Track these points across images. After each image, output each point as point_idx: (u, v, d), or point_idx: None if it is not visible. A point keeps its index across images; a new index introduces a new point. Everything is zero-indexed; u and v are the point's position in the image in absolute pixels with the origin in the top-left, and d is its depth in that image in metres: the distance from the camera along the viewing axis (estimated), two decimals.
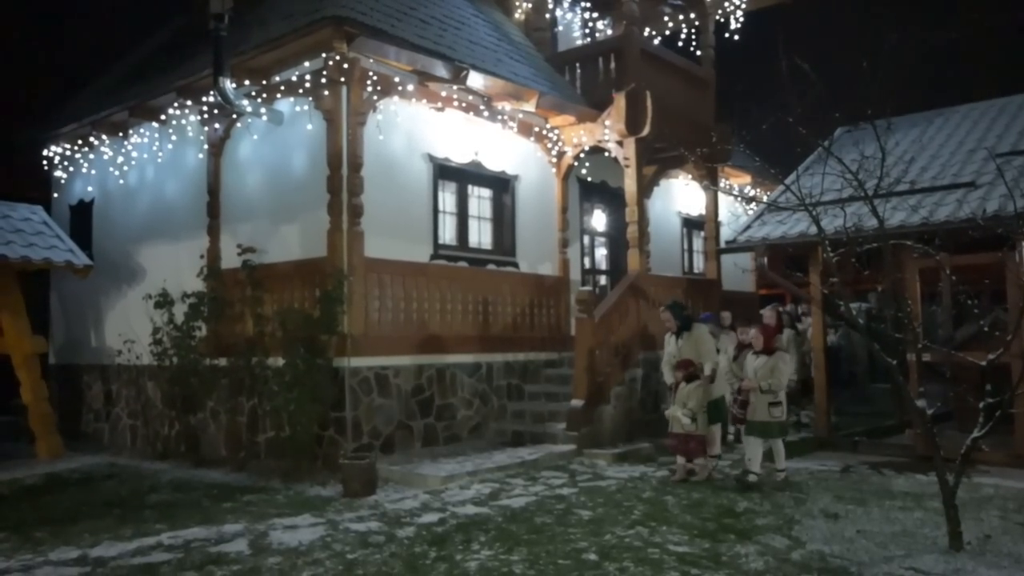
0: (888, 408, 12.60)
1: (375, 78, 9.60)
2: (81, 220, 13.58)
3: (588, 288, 12.65)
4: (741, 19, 14.43)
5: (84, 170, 13.27)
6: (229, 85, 9.55)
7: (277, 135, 10.41)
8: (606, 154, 12.49)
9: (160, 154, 11.81)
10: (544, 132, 12.40)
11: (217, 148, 11.01)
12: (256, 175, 10.66)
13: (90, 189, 13.37)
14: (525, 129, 12.11)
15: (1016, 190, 6.63)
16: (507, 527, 6.55)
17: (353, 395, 9.22)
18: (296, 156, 10.15)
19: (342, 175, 9.33)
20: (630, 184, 12.00)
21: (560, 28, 14.35)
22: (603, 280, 14.43)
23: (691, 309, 9.29)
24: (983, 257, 8.85)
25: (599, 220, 14.30)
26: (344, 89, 9.37)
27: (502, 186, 12.07)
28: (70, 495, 8.49)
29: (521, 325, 11.70)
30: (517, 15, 13.64)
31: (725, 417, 9.28)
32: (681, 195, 16.20)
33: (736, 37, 14.50)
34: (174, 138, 11.49)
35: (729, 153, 13.91)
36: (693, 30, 14.66)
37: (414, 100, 10.37)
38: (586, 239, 14.03)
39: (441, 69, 10.02)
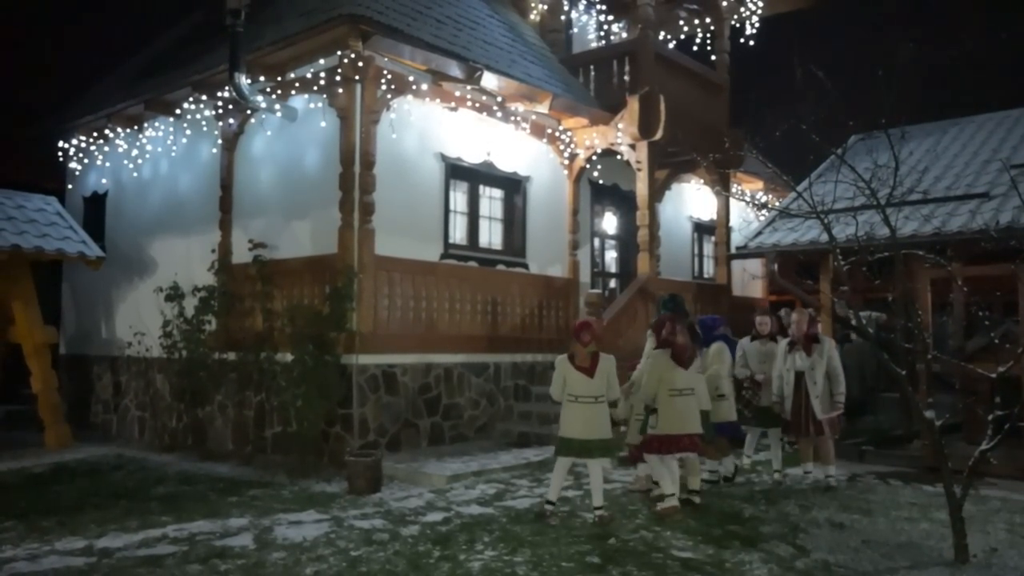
0: (896, 418, 12.52)
1: (389, 77, 9.62)
2: (94, 212, 13.66)
3: (597, 291, 12.64)
4: (757, 25, 14.41)
5: (99, 162, 13.35)
6: (244, 81, 9.60)
7: (291, 131, 10.45)
8: (618, 157, 12.49)
9: (174, 148, 11.87)
10: (557, 134, 12.40)
11: (231, 143, 11.06)
12: (269, 171, 10.71)
13: (104, 181, 13.45)
14: (538, 130, 12.11)
15: None
16: (511, 528, 6.56)
17: (360, 392, 9.24)
18: (309, 153, 10.19)
19: (354, 172, 9.36)
20: (642, 187, 11.99)
21: (575, 30, 14.35)
22: (613, 283, 14.42)
23: (669, 308, 7.96)
24: (995, 268, 8.81)
25: (610, 223, 14.29)
26: (358, 87, 9.40)
27: (514, 187, 12.08)
28: (77, 485, 8.53)
29: (530, 326, 11.70)
30: (532, 16, 13.65)
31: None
32: (693, 199, 16.16)
33: (751, 43, 14.47)
34: (188, 132, 11.55)
35: (742, 159, 13.86)
36: (708, 35, 14.63)
37: (428, 99, 10.39)
38: (596, 241, 14.03)
39: (455, 69, 10.03)
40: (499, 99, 11.11)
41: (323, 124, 9.80)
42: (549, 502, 6.90)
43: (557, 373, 6.95)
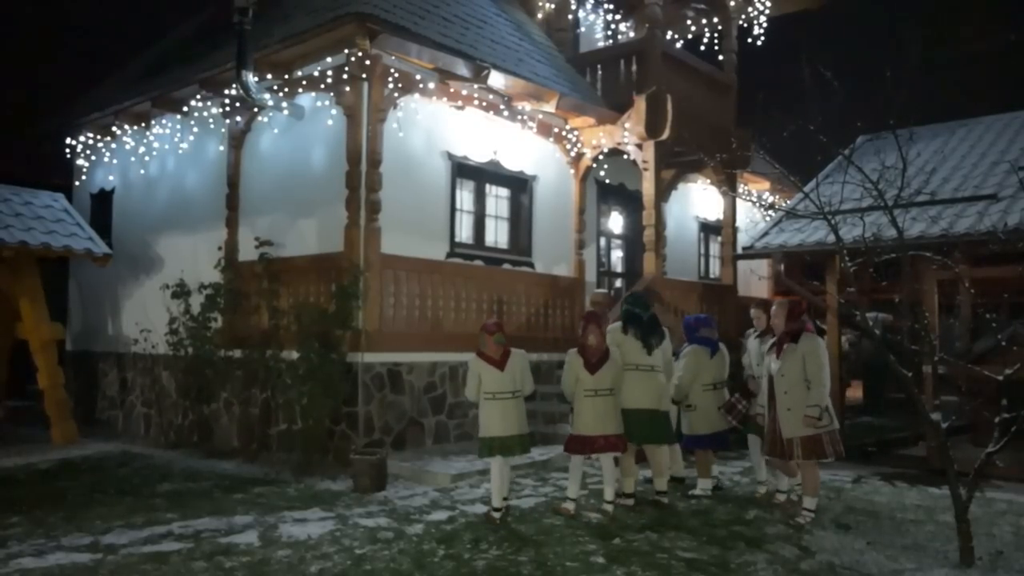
0: (903, 419, 12.50)
1: (396, 75, 9.63)
2: (101, 209, 13.70)
3: (603, 290, 12.64)
4: (764, 24, 14.37)
5: (106, 159, 13.39)
6: (251, 79, 9.61)
7: (297, 129, 10.46)
8: (625, 156, 12.48)
9: (181, 145, 11.89)
10: (563, 133, 12.40)
11: (238, 141, 11.09)
12: (275, 168, 10.72)
13: (111, 178, 13.48)
14: (544, 130, 12.11)
15: None
16: (516, 527, 6.56)
17: (366, 390, 9.25)
18: (315, 151, 10.20)
19: (361, 171, 9.36)
20: (648, 187, 11.98)
21: (582, 29, 14.33)
22: (618, 283, 14.41)
23: (629, 303, 7.62)
24: (1003, 270, 8.76)
25: (616, 222, 14.28)
26: (365, 85, 9.40)
27: (520, 186, 12.08)
28: (83, 481, 8.55)
29: (535, 325, 11.69)
30: (539, 15, 13.64)
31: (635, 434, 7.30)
32: (699, 199, 16.16)
33: (759, 42, 14.44)
34: (195, 130, 11.58)
35: (749, 159, 13.87)
36: (716, 34, 14.60)
37: (434, 98, 10.39)
38: (602, 241, 14.02)
39: (462, 68, 10.03)
40: (506, 98, 11.10)
41: (330, 122, 9.81)
42: (495, 508, 6.83)
43: (471, 372, 6.91)
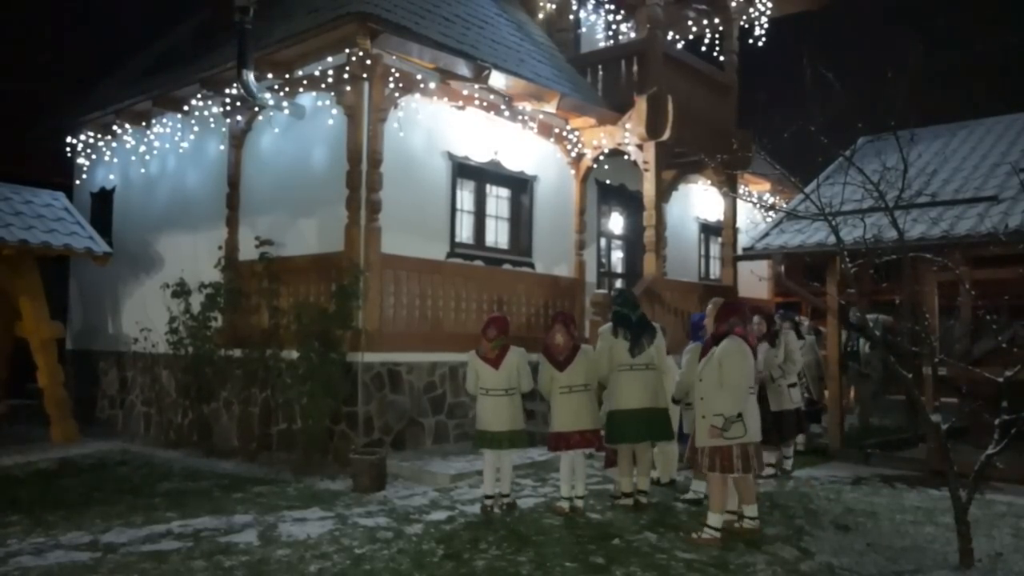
0: (903, 421, 12.50)
1: (397, 75, 9.63)
2: (102, 207, 13.71)
3: (603, 291, 12.63)
4: (765, 25, 14.36)
5: (106, 158, 13.39)
6: (252, 78, 9.60)
7: (298, 129, 10.46)
8: (625, 157, 12.47)
9: (182, 144, 11.89)
10: (564, 133, 12.40)
11: (238, 140, 11.09)
12: (276, 168, 10.72)
13: (112, 177, 13.48)
14: (545, 130, 12.11)
15: None
16: (515, 527, 6.56)
17: (365, 390, 9.25)
18: (316, 150, 10.20)
19: (361, 171, 9.37)
20: (648, 188, 11.97)
21: (583, 30, 14.32)
22: (619, 283, 14.39)
23: (618, 303, 7.60)
24: (1003, 272, 8.77)
25: (616, 223, 14.28)
26: (366, 85, 9.40)
27: (520, 186, 12.08)
28: (83, 480, 8.56)
29: (535, 326, 11.67)
30: (540, 15, 13.63)
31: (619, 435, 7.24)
32: (700, 200, 16.15)
33: (760, 43, 14.43)
34: (196, 129, 11.58)
35: (749, 160, 13.85)
36: (717, 35, 14.59)
37: (435, 98, 10.39)
38: (603, 242, 14.02)
39: (463, 68, 10.03)
40: (507, 98, 11.10)
41: (330, 122, 9.81)
42: (487, 496, 7.10)
43: (469, 368, 7.25)
